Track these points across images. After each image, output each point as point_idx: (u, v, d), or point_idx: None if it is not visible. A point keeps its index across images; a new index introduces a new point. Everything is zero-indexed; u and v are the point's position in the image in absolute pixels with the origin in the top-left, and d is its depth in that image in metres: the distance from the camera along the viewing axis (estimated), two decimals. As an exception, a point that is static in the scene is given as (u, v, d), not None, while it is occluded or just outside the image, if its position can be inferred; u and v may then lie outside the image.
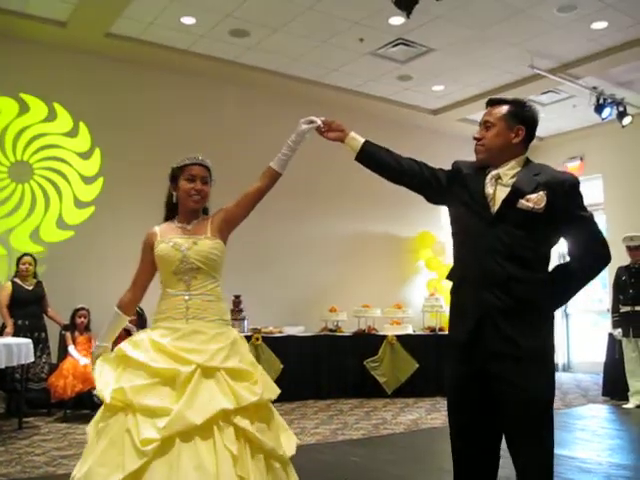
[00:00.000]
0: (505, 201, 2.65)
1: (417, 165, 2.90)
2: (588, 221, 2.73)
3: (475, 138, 2.81)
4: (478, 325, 2.63)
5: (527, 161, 2.78)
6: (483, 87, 10.09)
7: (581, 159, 12.23)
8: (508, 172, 2.72)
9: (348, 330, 9.35)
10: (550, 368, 2.71)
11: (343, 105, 10.14)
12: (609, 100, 10.01)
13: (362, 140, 2.93)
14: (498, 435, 2.73)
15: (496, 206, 2.67)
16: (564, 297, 2.84)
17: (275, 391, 2.85)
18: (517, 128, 2.75)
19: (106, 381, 2.77)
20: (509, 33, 8.14)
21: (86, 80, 8.58)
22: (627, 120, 10.15)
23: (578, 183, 2.73)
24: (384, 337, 8.94)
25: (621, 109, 10.13)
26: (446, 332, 3.05)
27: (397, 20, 7.67)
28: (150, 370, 2.70)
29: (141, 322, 7.64)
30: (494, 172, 2.74)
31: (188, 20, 7.85)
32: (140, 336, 2.89)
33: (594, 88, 9.81)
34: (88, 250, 8.39)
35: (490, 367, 2.62)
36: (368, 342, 9.01)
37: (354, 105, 10.21)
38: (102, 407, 2.77)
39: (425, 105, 10.93)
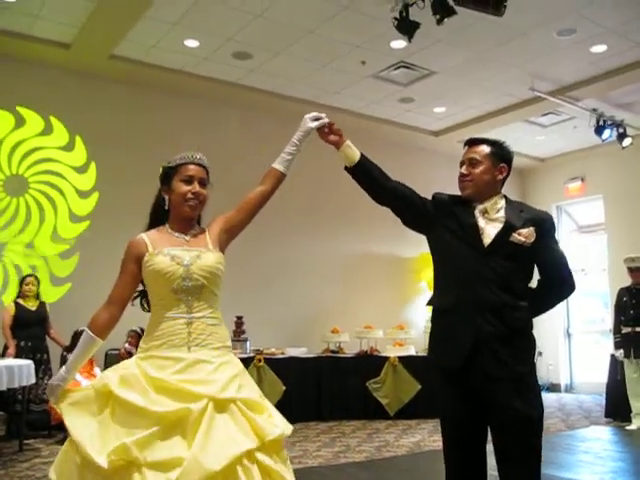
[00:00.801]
0: (499, 234, 2.84)
1: (405, 188, 3.01)
2: (561, 255, 2.99)
3: (463, 174, 2.96)
4: (474, 350, 2.75)
5: (505, 197, 2.98)
6: (484, 109, 10.16)
7: (582, 180, 12.28)
8: (493, 207, 2.91)
9: (350, 351, 9.33)
10: (538, 387, 2.89)
11: (345, 127, 10.06)
12: (609, 122, 10.09)
13: (359, 152, 2.96)
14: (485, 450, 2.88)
15: (487, 238, 2.84)
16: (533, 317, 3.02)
17: (289, 427, 2.50)
18: (501, 166, 2.95)
19: (89, 435, 2.30)
20: (509, 56, 8.21)
21: (89, 100, 8.64)
22: (627, 141, 10.21)
23: (553, 220, 3.00)
24: (386, 358, 8.92)
25: (621, 131, 10.20)
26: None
27: (399, 44, 7.74)
28: (153, 416, 2.29)
29: None
30: (481, 206, 2.91)
31: (191, 43, 7.93)
32: (130, 369, 2.43)
33: (594, 110, 9.88)
34: (83, 264, 8.38)
35: (486, 391, 2.75)
36: (370, 363, 8.99)
37: (356, 127, 10.24)
38: (67, 449, 2.39)
39: (427, 127, 10.99)
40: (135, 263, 2.60)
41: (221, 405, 2.34)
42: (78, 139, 8.63)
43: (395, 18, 6.69)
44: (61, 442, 6.84)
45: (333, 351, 9.27)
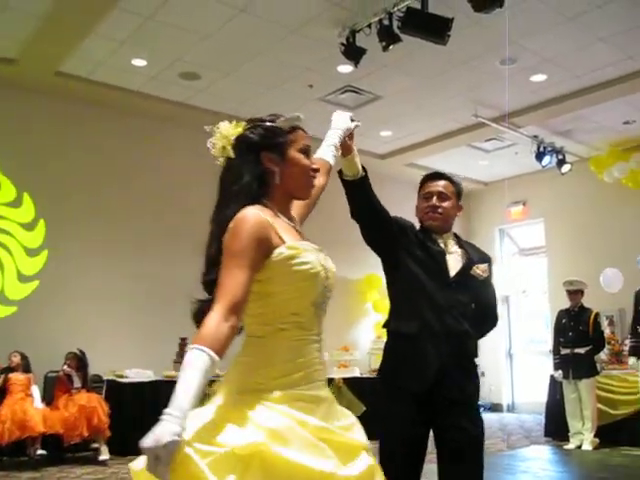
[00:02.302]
0: (463, 267, 3.01)
1: (387, 211, 2.99)
2: (494, 292, 3.23)
3: (435, 206, 3.04)
4: (437, 376, 2.84)
5: (455, 234, 3.15)
6: (429, 133, 10.33)
7: (524, 204, 12.56)
8: (450, 241, 3.07)
9: (295, 373, 9.30)
10: (478, 406, 3.07)
11: (292, 148, 10.25)
12: (549, 148, 10.37)
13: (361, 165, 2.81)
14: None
15: (452, 270, 2.98)
16: None
17: None
18: (460, 205, 3.14)
19: None
20: (454, 83, 8.41)
21: (34, 117, 8.52)
22: (566, 168, 10.50)
23: None
24: (331, 380, 8.94)
25: (560, 157, 10.49)
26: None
27: (345, 68, 7.84)
28: None
29: (82, 367, 7.43)
30: (441, 240, 3.05)
31: (139, 62, 7.89)
32: (277, 419, 1.70)
33: (535, 137, 10.15)
34: (33, 327, 7.93)
35: (443, 413, 2.85)
36: (315, 385, 8.98)
37: (303, 149, 10.31)
38: None
39: (373, 150, 11.10)
40: (265, 251, 1.81)
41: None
42: (26, 195, 8.36)
43: (342, 43, 6.81)
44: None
45: (278, 372, 9.23)
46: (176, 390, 1.61)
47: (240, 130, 2.02)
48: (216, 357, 1.67)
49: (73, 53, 7.63)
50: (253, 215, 1.81)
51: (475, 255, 3.07)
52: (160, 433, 1.51)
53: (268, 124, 2.04)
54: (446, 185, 3.09)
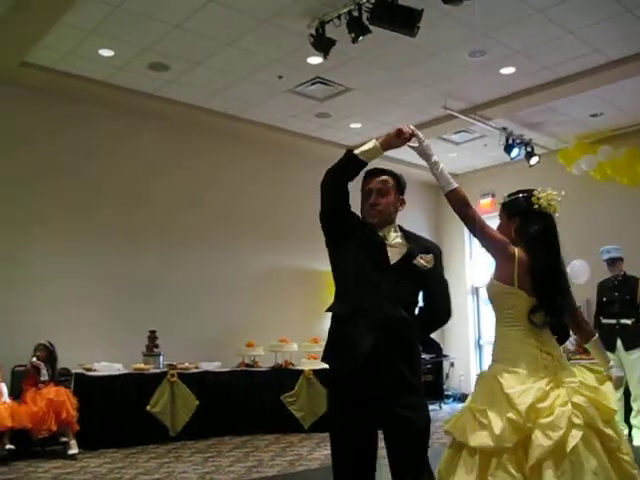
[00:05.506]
0: (404, 257, 3.06)
1: None
2: (446, 285, 3.24)
3: (374, 204, 3.17)
4: (369, 359, 2.89)
5: (400, 227, 3.23)
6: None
7: (493, 195, 12.63)
8: (390, 234, 3.14)
9: (265, 365, 9.32)
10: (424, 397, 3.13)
11: (264, 140, 10.23)
12: (518, 140, 10.44)
13: None
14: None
15: (392, 259, 3.05)
16: None
17: None
18: (401, 199, 3.24)
19: None
20: (423, 75, 8.42)
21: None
22: (534, 160, 10.57)
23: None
24: (301, 371, 8.96)
25: (529, 149, 10.57)
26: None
27: (315, 60, 7.82)
28: None
29: (51, 360, 7.36)
30: (380, 233, 3.13)
31: (106, 52, 7.77)
32: None
33: (504, 129, 10.22)
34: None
35: (384, 400, 2.89)
36: (285, 377, 9.00)
37: (275, 140, 10.28)
38: None
39: (343, 142, 11.06)
40: None
41: None
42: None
43: (311, 35, 6.78)
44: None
45: (248, 365, 9.23)
46: None
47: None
48: None
49: (39, 43, 7.49)
50: None
51: (419, 246, 3.15)
52: None
53: None
54: (385, 180, 3.22)
